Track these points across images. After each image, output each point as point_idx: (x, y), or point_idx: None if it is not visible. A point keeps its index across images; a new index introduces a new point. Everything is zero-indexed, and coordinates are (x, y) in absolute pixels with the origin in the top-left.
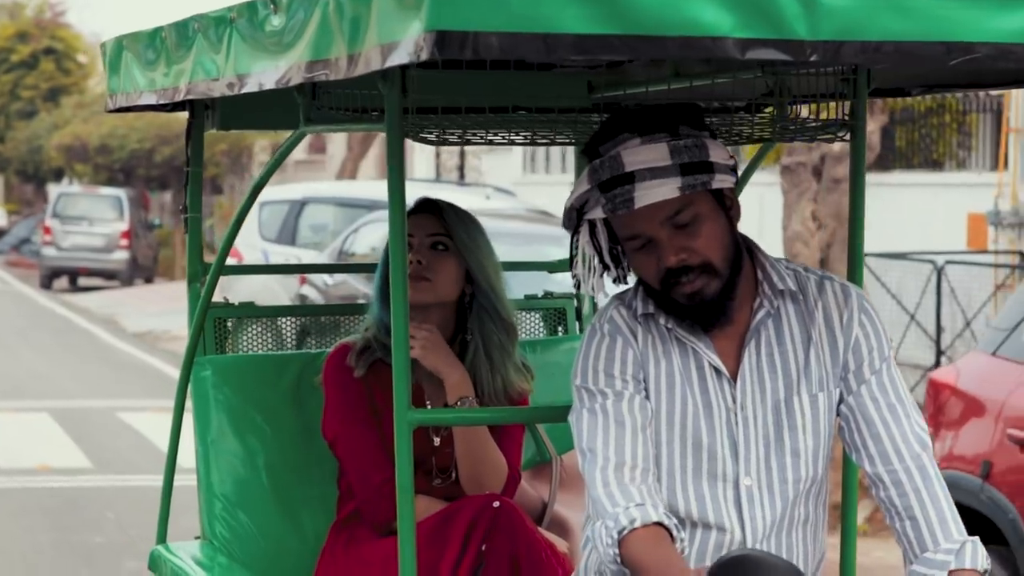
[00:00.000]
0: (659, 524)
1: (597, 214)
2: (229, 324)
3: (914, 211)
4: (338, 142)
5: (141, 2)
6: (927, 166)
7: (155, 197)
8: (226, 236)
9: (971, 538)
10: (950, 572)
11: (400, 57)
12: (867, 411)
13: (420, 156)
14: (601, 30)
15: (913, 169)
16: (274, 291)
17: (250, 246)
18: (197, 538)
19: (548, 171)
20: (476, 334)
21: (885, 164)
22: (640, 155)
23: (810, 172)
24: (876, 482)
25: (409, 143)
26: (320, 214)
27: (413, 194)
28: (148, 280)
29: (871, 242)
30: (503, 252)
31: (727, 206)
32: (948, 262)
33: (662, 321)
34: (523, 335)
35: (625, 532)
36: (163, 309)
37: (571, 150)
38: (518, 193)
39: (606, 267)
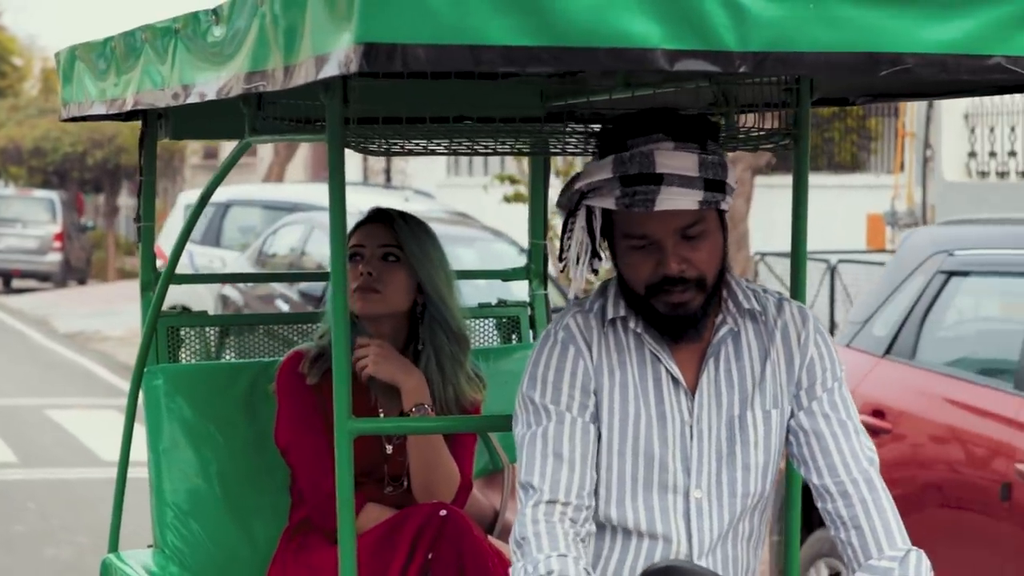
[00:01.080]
0: None
1: (605, 203)
2: (182, 333)
3: (817, 212)
4: (267, 146)
5: (78, 5)
6: (830, 168)
7: (89, 200)
8: (175, 246)
9: (916, 548)
10: None
11: (331, 69)
12: (818, 426)
13: (348, 159)
14: (529, 42)
15: (818, 171)
16: (198, 292)
17: None
18: (150, 547)
19: (471, 174)
20: (428, 344)
21: (789, 167)
22: (673, 160)
23: None
24: (823, 494)
25: None
26: (244, 216)
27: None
28: (81, 282)
29: (774, 241)
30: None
31: (725, 226)
32: (841, 261)
33: (631, 325)
34: (477, 343)
35: None
36: (95, 310)
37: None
38: (442, 195)
39: (594, 255)
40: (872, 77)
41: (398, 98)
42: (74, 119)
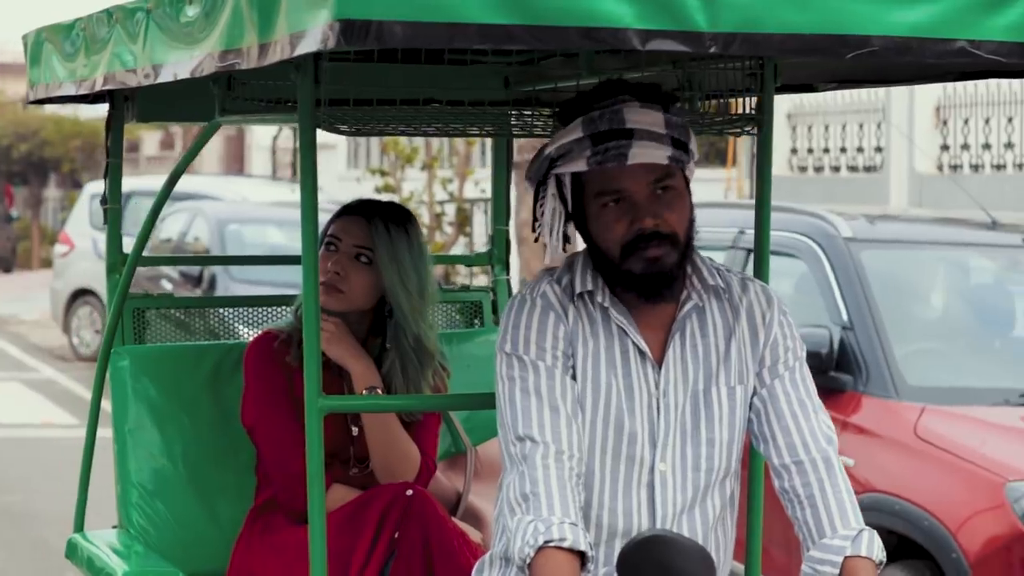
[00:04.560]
0: (583, 554)
1: (576, 167)
2: (147, 315)
3: None
4: (181, 140)
5: (15, 5)
6: None
7: (17, 191)
8: (141, 230)
9: (868, 528)
10: (845, 558)
11: (308, 46)
12: (779, 404)
13: (257, 153)
14: (504, 20)
15: None
16: (97, 273)
17: (81, 234)
18: (114, 527)
19: (369, 166)
20: (393, 347)
21: None
22: (640, 116)
23: None
24: (782, 472)
25: (248, 141)
26: (146, 206)
27: (254, 190)
28: (7, 270)
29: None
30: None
31: (690, 191)
32: None
33: (599, 299)
34: (439, 327)
35: (551, 544)
36: (16, 296)
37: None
38: (342, 187)
39: (568, 219)
40: (839, 59)
41: (365, 79)
42: (41, 101)
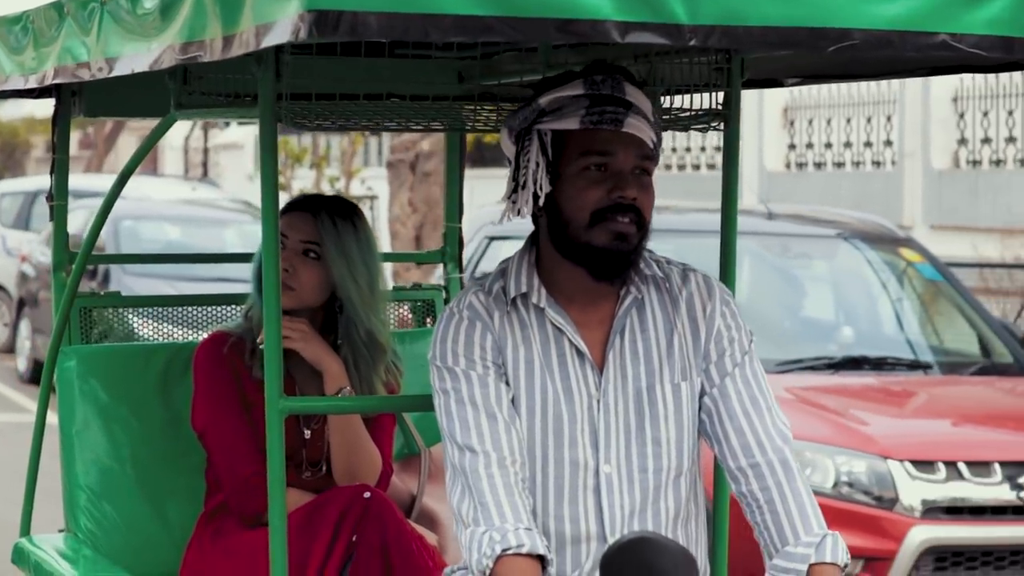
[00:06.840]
0: (541, 558)
1: (567, 124)
2: (94, 314)
3: None
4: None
5: None
6: None
7: None
8: (91, 227)
9: (831, 532)
10: (810, 566)
11: (277, 37)
12: (730, 404)
13: (171, 153)
14: (480, 11)
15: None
16: (5, 268)
17: None
18: (61, 531)
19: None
20: (345, 343)
21: (490, 159)
22: (636, 96)
23: (408, 167)
24: (738, 476)
25: (161, 141)
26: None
27: (157, 189)
28: None
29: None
30: (202, 235)
31: None
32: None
33: (533, 300)
34: (392, 326)
35: (509, 552)
36: None
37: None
38: (253, 186)
39: (546, 171)
40: (819, 53)
41: (324, 74)
42: None
